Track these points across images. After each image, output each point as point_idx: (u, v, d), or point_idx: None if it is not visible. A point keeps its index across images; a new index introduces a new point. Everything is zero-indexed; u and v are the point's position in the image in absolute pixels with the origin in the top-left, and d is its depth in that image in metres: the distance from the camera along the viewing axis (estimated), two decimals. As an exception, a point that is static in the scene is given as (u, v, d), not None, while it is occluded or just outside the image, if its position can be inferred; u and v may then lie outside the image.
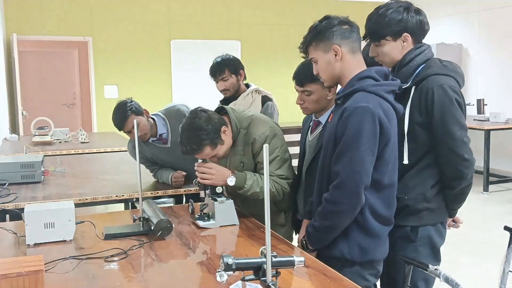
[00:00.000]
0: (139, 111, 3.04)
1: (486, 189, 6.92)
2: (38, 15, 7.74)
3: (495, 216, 5.98)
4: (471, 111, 7.84)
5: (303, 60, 2.22)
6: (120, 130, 3.03)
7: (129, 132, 3.03)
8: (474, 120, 7.36)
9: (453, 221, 2.33)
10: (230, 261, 1.33)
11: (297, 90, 2.34)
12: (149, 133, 3.11)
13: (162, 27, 8.38)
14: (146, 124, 3.07)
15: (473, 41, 8.31)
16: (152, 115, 3.19)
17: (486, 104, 7.48)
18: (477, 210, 6.17)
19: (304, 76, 2.28)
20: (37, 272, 1.35)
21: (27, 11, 7.68)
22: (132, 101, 3.05)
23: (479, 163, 7.79)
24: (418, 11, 2.08)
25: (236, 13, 8.80)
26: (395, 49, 2.08)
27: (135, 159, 3.14)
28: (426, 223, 2.11)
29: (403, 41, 2.07)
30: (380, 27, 2.06)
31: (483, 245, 4.84)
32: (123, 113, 2.98)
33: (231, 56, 3.37)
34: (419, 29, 2.08)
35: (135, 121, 2.38)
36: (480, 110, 7.43)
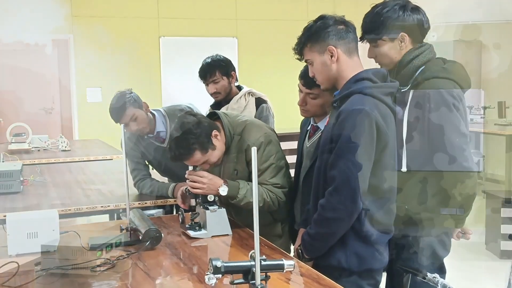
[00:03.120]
0: (138, 104, 3.18)
1: (507, 201, 7.02)
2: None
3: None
4: (492, 114, 7.97)
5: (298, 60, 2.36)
6: (116, 122, 3.16)
7: (126, 125, 3.14)
8: (494, 124, 7.49)
9: (462, 231, 2.44)
10: (219, 264, 1.49)
11: (301, 91, 2.46)
12: (148, 128, 3.25)
13: (150, 22, 8.52)
14: (145, 118, 3.21)
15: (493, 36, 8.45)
16: (153, 110, 3.34)
17: (508, 107, 7.61)
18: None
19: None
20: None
21: None
22: (131, 92, 3.20)
23: (500, 173, 8.00)
24: (416, 9, 2.24)
25: (232, 7, 8.96)
26: (393, 50, 2.24)
27: (130, 152, 3.30)
28: (428, 233, 2.25)
29: (401, 41, 2.22)
30: (375, 27, 2.22)
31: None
32: (121, 105, 3.12)
33: (222, 57, 3.52)
34: (418, 28, 2.23)
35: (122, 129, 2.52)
36: (501, 114, 7.55)
